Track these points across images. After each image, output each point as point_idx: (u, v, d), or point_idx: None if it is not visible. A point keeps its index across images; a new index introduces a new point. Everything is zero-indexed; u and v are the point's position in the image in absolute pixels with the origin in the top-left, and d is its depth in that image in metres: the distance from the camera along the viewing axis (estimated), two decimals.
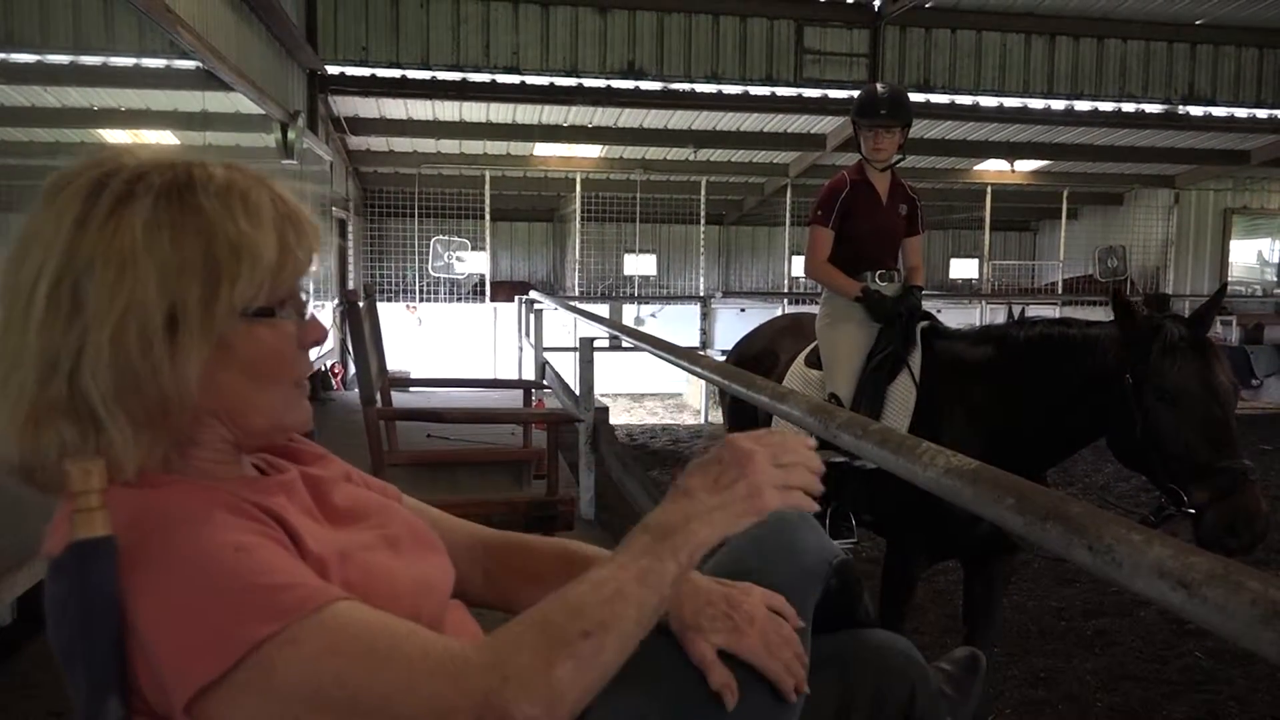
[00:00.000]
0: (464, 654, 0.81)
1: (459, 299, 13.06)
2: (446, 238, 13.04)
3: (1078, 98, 11.00)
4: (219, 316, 0.88)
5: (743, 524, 0.95)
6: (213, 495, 0.88)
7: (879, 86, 3.64)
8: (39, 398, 0.85)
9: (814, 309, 3.71)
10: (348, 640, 0.80)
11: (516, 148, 12.66)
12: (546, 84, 9.96)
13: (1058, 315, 3.19)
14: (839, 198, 3.47)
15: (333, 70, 9.32)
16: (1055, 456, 3.05)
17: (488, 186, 12.54)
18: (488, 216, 12.57)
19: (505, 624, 0.85)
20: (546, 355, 8.73)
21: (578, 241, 13.32)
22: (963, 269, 17.49)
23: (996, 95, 10.86)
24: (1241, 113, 11.32)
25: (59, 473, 0.86)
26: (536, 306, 9.26)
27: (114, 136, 4.28)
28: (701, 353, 9.28)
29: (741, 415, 3.97)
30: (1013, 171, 13.78)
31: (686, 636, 1.06)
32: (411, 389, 7.61)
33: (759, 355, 3.91)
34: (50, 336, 0.85)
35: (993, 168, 13.69)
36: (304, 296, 0.98)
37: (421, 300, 12.55)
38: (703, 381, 9.01)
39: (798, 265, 11.77)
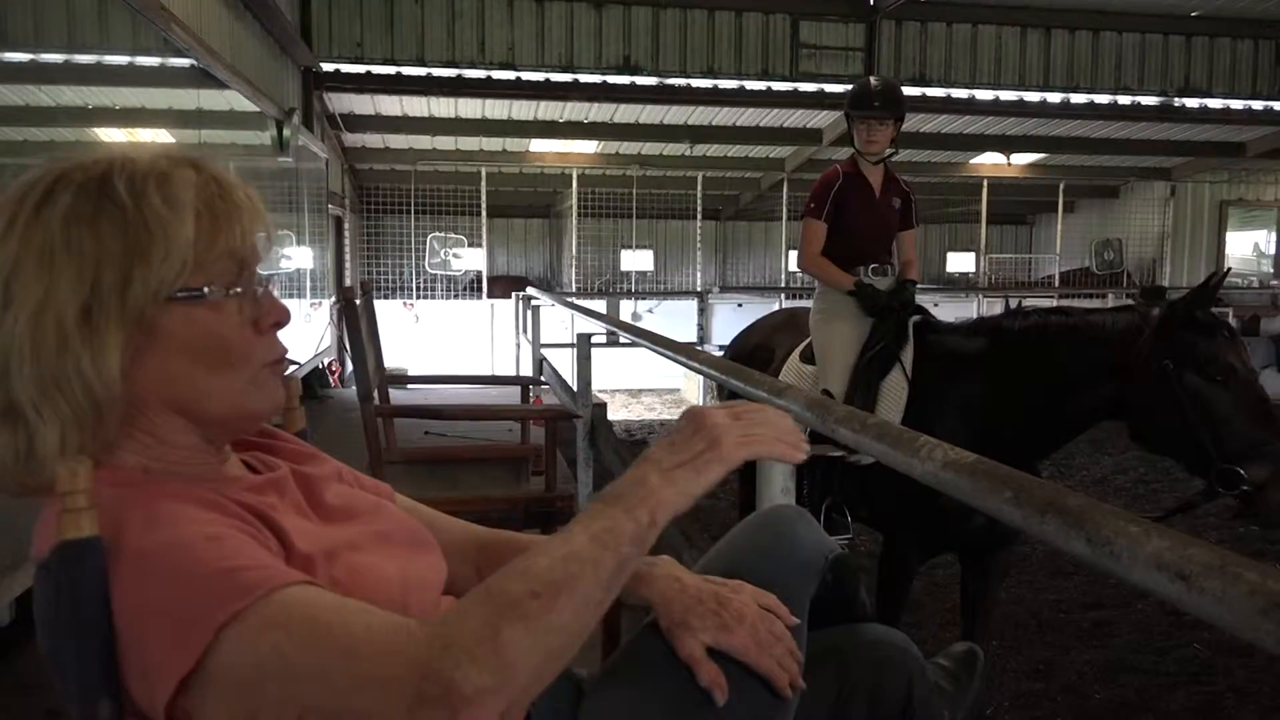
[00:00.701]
0: (408, 627, 0.77)
1: (455, 295, 13.05)
2: (443, 234, 13.01)
3: (1074, 90, 11.00)
4: (134, 300, 0.87)
5: (707, 478, 0.92)
6: (191, 492, 0.88)
7: (873, 79, 3.65)
8: None
9: (810, 304, 3.71)
10: (294, 616, 0.78)
11: (512, 144, 12.65)
12: (542, 80, 9.94)
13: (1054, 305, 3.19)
14: (832, 190, 3.47)
15: (328, 67, 9.30)
16: (1049, 448, 3.06)
17: (484, 183, 12.52)
18: (484, 213, 12.55)
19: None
20: (544, 351, 8.72)
21: (574, 238, 13.31)
22: (959, 263, 17.51)
23: (992, 89, 10.86)
24: (1237, 104, 11.33)
25: (15, 479, 0.87)
26: (534, 303, 9.26)
27: (109, 135, 4.27)
28: (699, 348, 9.28)
29: None
30: (1009, 165, 13.77)
31: (675, 634, 1.06)
32: (409, 386, 7.61)
33: (754, 350, 3.90)
34: None
35: (989, 161, 13.69)
36: (259, 277, 0.96)
37: (418, 297, 12.53)
38: (700, 377, 9.01)
39: (794, 260, 11.78)
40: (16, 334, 0.84)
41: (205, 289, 0.90)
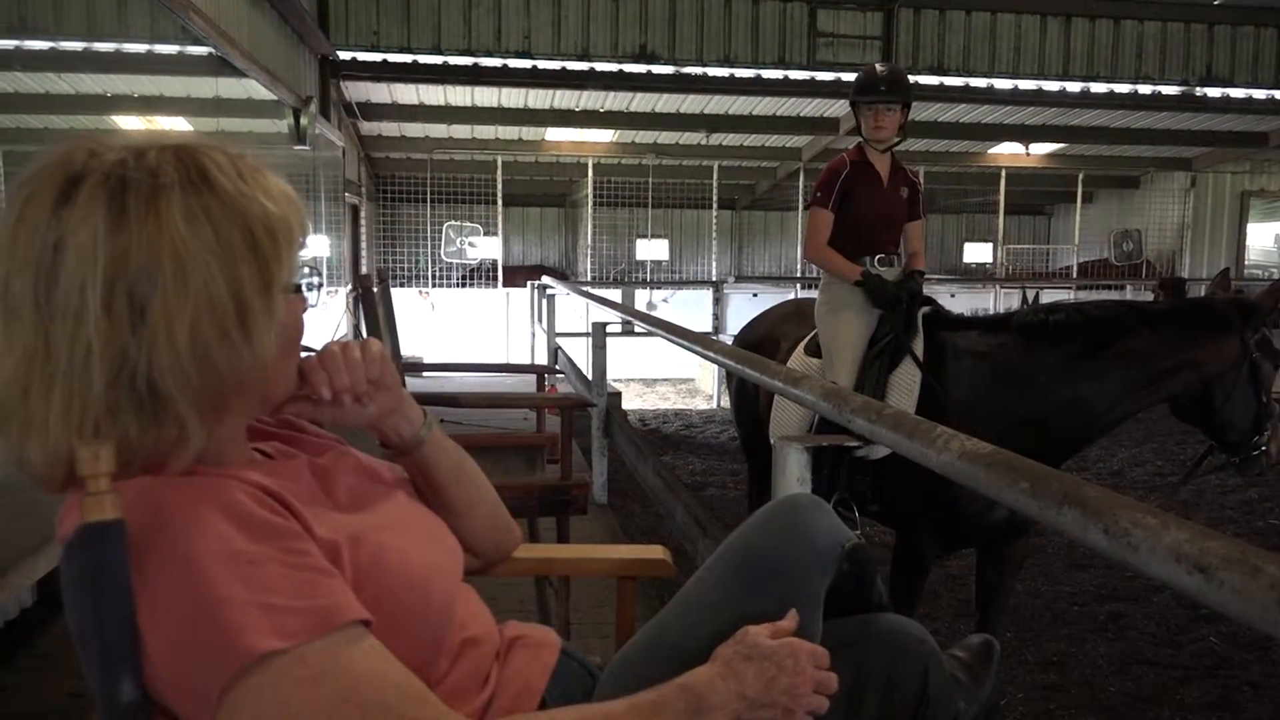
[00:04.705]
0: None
1: (471, 284, 13.07)
2: (459, 223, 13.03)
3: (1093, 80, 10.89)
4: (276, 295, 0.90)
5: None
6: (226, 488, 0.87)
7: (879, 65, 3.61)
8: (107, 401, 0.84)
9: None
10: (325, 674, 0.81)
11: (528, 132, 12.62)
12: (558, 68, 9.92)
13: (1073, 299, 3.22)
14: (839, 179, 3.41)
15: (344, 55, 9.31)
16: (1083, 443, 3.04)
17: (500, 171, 12.52)
18: (500, 202, 12.56)
19: None
20: (559, 340, 8.74)
21: (590, 227, 13.30)
22: (977, 253, 17.37)
23: (1011, 78, 10.75)
24: (1260, 94, 11.19)
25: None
26: (549, 292, 9.27)
27: (127, 122, 4.29)
28: (714, 337, 9.27)
29: (745, 401, 3.95)
30: (1027, 155, 13.67)
31: None
32: (425, 374, 7.64)
33: (761, 342, 3.86)
34: (115, 341, 0.84)
35: (1007, 151, 13.59)
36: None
37: (434, 285, 12.56)
38: (715, 366, 9.00)
39: None
40: (181, 331, 0.84)
41: (302, 280, 0.96)
